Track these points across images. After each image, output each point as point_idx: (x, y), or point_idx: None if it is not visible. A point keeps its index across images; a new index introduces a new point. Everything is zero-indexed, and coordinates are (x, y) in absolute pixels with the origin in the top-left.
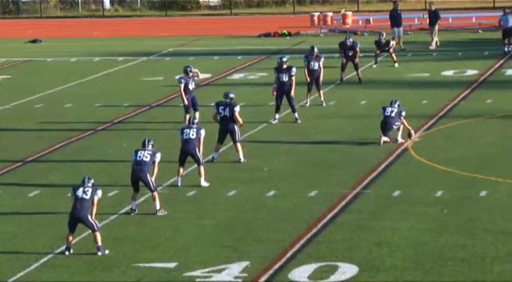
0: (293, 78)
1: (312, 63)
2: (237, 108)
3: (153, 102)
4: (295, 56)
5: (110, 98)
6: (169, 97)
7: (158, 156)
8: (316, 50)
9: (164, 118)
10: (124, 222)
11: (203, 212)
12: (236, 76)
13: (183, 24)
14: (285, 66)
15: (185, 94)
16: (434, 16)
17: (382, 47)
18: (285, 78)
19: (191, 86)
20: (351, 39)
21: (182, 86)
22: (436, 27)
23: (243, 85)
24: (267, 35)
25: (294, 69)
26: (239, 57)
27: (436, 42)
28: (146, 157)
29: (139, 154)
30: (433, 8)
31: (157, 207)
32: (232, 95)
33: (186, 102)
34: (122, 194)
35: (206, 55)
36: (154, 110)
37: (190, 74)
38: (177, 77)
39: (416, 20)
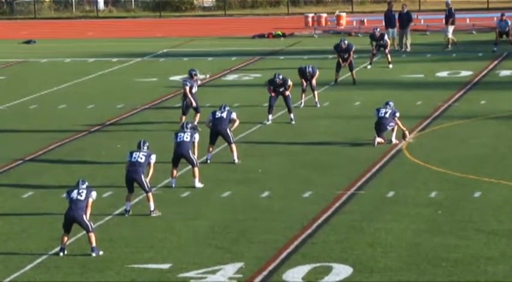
0: (289, 87)
1: (307, 77)
2: (234, 114)
3: (147, 103)
4: (290, 57)
5: (104, 99)
6: (164, 98)
7: (153, 157)
8: (308, 72)
9: (158, 119)
10: (118, 223)
11: (197, 213)
12: (230, 77)
13: (177, 25)
14: (279, 82)
15: (187, 96)
16: (406, 19)
17: (377, 40)
18: (280, 89)
19: (194, 90)
20: (345, 42)
21: (187, 88)
22: (409, 29)
23: (237, 86)
24: (261, 36)
25: (289, 83)
26: (233, 58)
27: (406, 45)
28: (141, 158)
29: (134, 155)
30: (405, 10)
31: (152, 208)
32: (228, 108)
33: (194, 104)
34: (116, 195)
35: (200, 56)
36: (148, 111)
37: (195, 78)
38: (179, 78)
39: None
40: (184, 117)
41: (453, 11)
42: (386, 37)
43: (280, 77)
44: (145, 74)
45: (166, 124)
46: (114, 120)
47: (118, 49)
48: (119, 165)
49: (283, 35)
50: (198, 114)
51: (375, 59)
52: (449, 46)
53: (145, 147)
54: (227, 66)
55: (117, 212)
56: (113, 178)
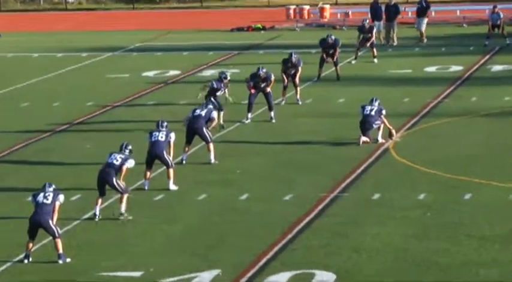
0: (271, 82)
1: (289, 70)
2: (215, 112)
3: (119, 100)
4: (270, 52)
5: (72, 96)
6: (136, 95)
7: (130, 162)
8: (294, 57)
9: (131, 118)
10: (87, 228)
11: (171, 217)
12: (207, 73)
13: (151, 17)
14: (263, 76)
15: (214, 96)
16: (394, 11)
17: (365, 32)
18: (262, 85)
19: (219, 93)
20: (332, 37)
21: (207, 89)
22: (395, 22)
23: None
24: (240, 29)
25: (272, 78)
26: (210, 53)
27: (393, 38)
28: (117, 160)
29: (111, 156)
30: (393, 2)
31: (122, 209)
32: (211, 106)
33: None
34: (85, 198)
35: (175, 50)
36: (119, 109)
37: (225, 81)
38: (153, 74)
39: None
40: (222, 113)
41: (428, 3)
42: (374, 30)
43: (264, 70)
44: (117, 70)
45: (140, 123)
46: (83, 119)
47: (88, 43)
48: (88, 166)
49: (263, 28)
50: (222, 113)
51: (360, 53)
52: (424, 39)
53: (127, 151)
54: (204, 61)
55: (86, 216)
56: (81, 180)
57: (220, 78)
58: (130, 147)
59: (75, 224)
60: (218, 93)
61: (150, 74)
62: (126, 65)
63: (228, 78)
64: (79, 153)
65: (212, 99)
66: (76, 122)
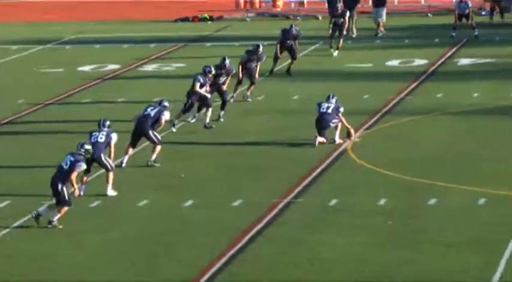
0: (227, 78)
1: (250, 64)
2: (166, 113)
3: (52, 97)
4: (218, 44)
5: (1, 94)
6: (71, 92)
7: (79, 166)
8: (261, 49)
9: (66, 117)
10: (17, 237)
11: (109, 225)
12: (148, 67)
13: (87, 7)
14: (228, 67)
15: (195, 94)
16: (353, 0)
17: (336, 17)
18: (222, 80)
19: (204, 89)
20: (297, 28)
21: (198, 85)
22: (355, 12)
23: (156, 78)
24: (185, 19)
25: (233, 72)
26: (152, 46)
27: (352, 29)
28: (66, 164)
29: (65, 157)
30: None
31: (55, 218)
32: (166, 103)
33: (206, 99)
34: (15, 205)
35: (114, 43)
36: (53, 107)
37: (210, 75)
38: (89, 68)
39: None
40: (183, 116)
41: None
42: (347, 16)
43: (229, 60)
44: (49, 64)
45: (76, 122)
46: (12, 118)
47: (18, 35)
48: (18, 170)
49: (211, 19)
50: (210, 110)
51: (333, 40)
52: (383, 30)
53: (82, 150)
54: (145, 54)
55: (16, 224)
56: (11, 185)
57: (205, 72)
58: (87, 147)
59: (4, 233)
60: (202, 90)
61: (87, 68)
62: (60, 59)
63: (213, 72)
64: (8, 156)
65: (189, 99)
66: (5, 121)
